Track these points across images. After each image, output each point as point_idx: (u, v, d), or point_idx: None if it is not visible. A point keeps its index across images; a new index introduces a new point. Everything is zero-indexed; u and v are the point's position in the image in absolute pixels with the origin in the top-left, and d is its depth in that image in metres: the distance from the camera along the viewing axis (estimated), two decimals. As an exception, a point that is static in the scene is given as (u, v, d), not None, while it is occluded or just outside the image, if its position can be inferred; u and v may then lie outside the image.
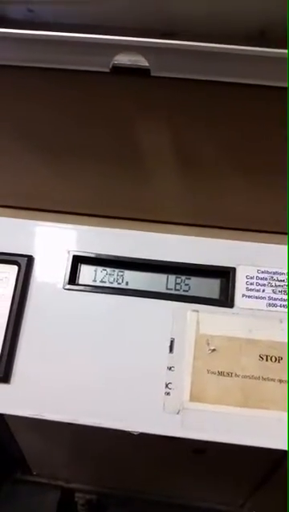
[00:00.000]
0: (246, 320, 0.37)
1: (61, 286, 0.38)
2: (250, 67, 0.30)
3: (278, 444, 0.35)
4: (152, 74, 0.28)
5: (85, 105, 0.32)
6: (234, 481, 0.62)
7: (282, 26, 0.30)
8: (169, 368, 0.36)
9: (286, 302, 0.38)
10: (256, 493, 0.62)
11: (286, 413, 0.35)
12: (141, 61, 0.28)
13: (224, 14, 0.30)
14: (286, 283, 0.39)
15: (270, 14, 0.30)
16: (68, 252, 0.39)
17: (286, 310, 0.38)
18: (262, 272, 0.39)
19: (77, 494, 0.76)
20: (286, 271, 0.39)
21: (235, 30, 0.30)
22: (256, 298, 0.38)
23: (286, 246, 0.41)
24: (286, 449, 0.34)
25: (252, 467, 0.55)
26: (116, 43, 0.28)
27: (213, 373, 0.36)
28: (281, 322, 0.37)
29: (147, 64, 0.28)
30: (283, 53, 0.29)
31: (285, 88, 0.30)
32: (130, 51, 0.28)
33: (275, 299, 0.38)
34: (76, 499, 0.76)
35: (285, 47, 0.29)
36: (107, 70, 0.28)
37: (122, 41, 0.28)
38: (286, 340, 0.37)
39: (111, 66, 0.28)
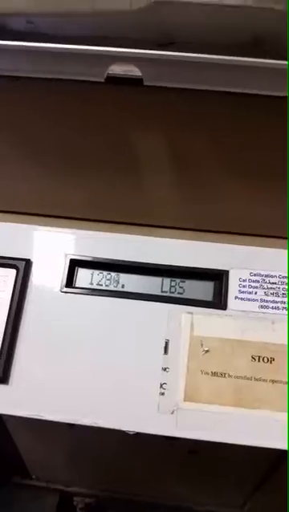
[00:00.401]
0: (239, 322, 0.38)
1: (58, 289, 0.39)
2: (243, 77, 0.31)
3: (272, 443, 0.35)
4: (145, 83, 0.30)
5: (81, 113, 0.33)
6: (233, 483, 0.62)
7: (274, 36, 0.31)
8: (164, 369, 0.36)
9: (277, 305, 0.39)
10: (256, 493, 0.63)
11: (281, 413, 0.36)
12: (134, 71, 0.29)
13: (219, 24, 0.31)
14: (278, 286, 0.40)
15: (262, 25, 0.31)
16: (65, 256, 0.40)
17: (278, 312, 0.39)
18: (255, 275, 0.40)
19: (76, 498, 0.77)
20: (277, 274, 0.40)
21: (229, 40, 0.32)
22: (248, 300, 0.39)
23: (279, 250, 0.42)
24: (286, 448, 0.35)
25: (251, 468, 0.55)
26: (110, 54, 0.29)
27: (206, 374, 0.36)
28: (273, 323, 0.38)
29: (139, 74, 0.29)
30: (274, 63, 0.30)
31: (278, 97, 0.31)
32: (124, 62, 0.29)
33: (267, 301, 0.39)
34: (75, 503, 0.76)
35: (276, 57, 0.30)
36: (102, 80, 0.29)
37: (116, 52, 0.29)
38: (278, 342, 0.38)
39: (105, 76, 0.29)
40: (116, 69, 0.29)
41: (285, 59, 0.30)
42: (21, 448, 0.63)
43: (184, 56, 0.29)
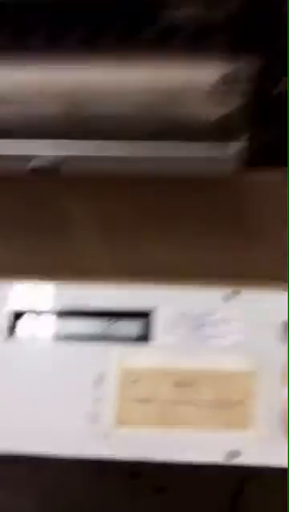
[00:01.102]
0: (163, 354, 0.45)
1: (2, 339, 0.46)
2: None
3: (196, 457, 0.40)
4: (62, 173, 0.38)
5: (14, 193, 0.41)
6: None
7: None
8: (98, 399, 0.43)
9: (197, 338, 0.46)
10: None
11: (202, 431, 0.41)
12: (51, 163, 0.37)
13: (129, 117, 0.40)
14: (199, 322, 0.47)
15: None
16: (7, 308, 0.47)
17: (197, 344, 0.46)
18: (178, 312, 0.47)
19: None
20: (198, 311, 0.47)
21: (149, 128, 0.40)
22: (172, 334, 0.46)
23: (200, 290, 0.49)
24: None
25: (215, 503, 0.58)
26: (31, 150, 0.37)
27: (135, 401, 0.43)
28: (193, 353, 0.45)
29: (56, 165, 0.37)
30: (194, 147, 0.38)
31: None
32: (43, 156, 0.37)
33: (189, 336, 0.46)
34: None
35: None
36: (27, 172, 0.37)
37: (36, 147, 0.37)
38: (197, 369, 0.44)
39: (29, 169, 0.37)
40: (37, 162, 0.37)
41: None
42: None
43: (91, 149, 0.38)
